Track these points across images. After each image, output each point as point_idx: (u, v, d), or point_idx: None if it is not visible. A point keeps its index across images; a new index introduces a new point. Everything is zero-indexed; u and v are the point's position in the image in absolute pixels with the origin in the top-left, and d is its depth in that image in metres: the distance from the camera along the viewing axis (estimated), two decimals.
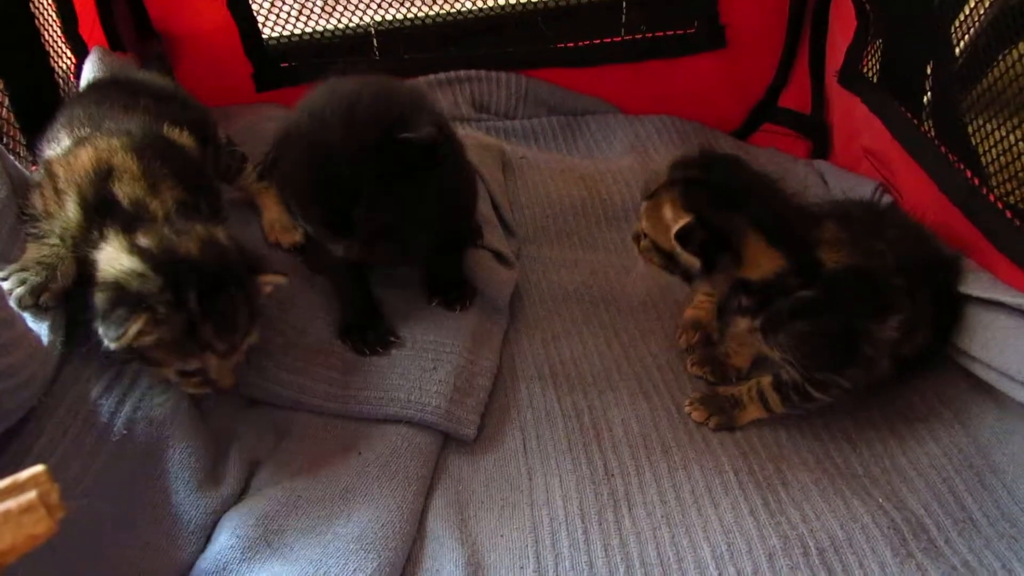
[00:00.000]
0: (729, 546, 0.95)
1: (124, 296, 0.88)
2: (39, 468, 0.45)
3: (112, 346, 0.89)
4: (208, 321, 0.91)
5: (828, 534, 0.95)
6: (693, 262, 1.00)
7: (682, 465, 1.05)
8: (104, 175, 0.98)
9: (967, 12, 1.20)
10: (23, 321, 0.82)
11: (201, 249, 0.94)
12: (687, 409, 1.14)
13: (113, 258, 0.92)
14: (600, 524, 0.98)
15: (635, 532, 0.97)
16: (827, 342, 1.02)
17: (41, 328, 0.93)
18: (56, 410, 0.92)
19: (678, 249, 0.99)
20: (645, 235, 1.06)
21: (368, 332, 1.18)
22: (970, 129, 1.21)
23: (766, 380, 1.10)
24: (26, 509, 0.42)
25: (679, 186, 1.01)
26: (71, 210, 0.97)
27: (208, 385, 0.98)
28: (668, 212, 1.00)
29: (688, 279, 1.05)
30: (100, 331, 0.89)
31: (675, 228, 0.97)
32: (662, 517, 0.99)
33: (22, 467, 0.80)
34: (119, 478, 0.92)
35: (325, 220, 1.06)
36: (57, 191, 0.99)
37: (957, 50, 1.24)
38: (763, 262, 0.99)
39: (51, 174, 1.01)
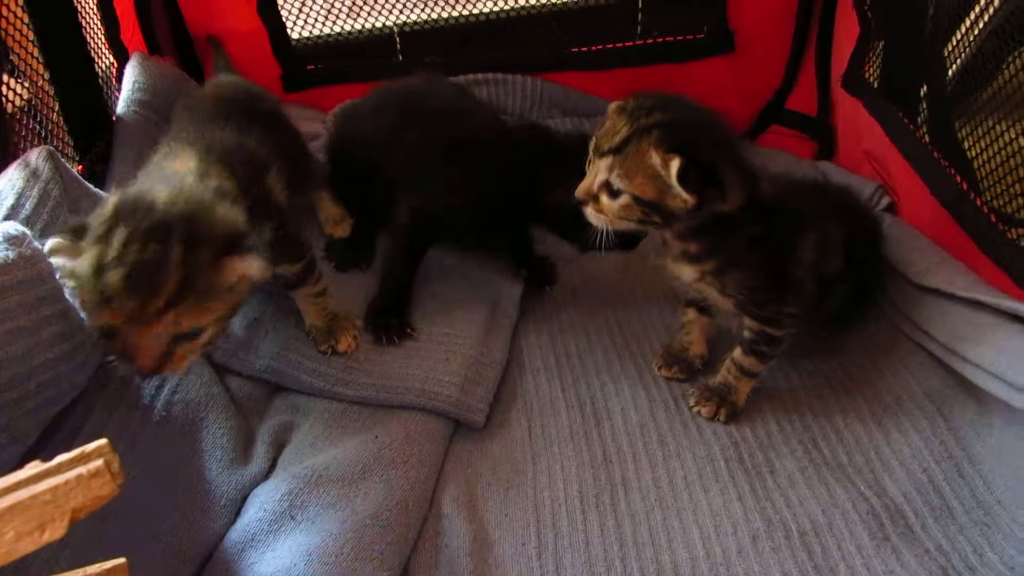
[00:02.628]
0: (716, 528, 1.01)
1: (80, 226, 0.84)
2: (103, 441, 0.54)
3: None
4: (119, 267, 0.79)
5: (810, 518, 1.02)
6: (689, 202, 0.95)
7: (676, 453, 1.12)
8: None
9: (959, 37, 1.24)
10: (76, 311, 0.91)
11: (168, 198, 0.86)
12: (695, 409, 1.19)
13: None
14: (597, 506, 1.05)
15: (630, 514, 1.04)
16: (771, 270, 1.07)
17: None
18: (103, 392, 1.01)
19: (676, 189, 0.94)
20: (614, 192, 1.00)
21: (392, 319, 1.26)
22: (960, 135, 1.25)
23: (736, 352, 1.16)
24: (94, 474, 0.51)
25: (653, 131, 0.96)
26: None
27: (125, 360, 0.84)
28: (655, 157, 0.95)
29: (667, 222, 1.01)
30: None
31: (674, 168, 0.93)
32: (655, 500, 1.06)
33: (75, 443, 0.90)
34: (159, 456, 1.00)
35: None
36: None
37: (950, 72, 1.28)
38: (734, 197, 0.98)
39: None
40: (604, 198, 1.02)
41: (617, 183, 0.99)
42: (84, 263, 0.80)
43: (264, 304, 1.28)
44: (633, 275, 1.49)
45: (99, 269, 0.79)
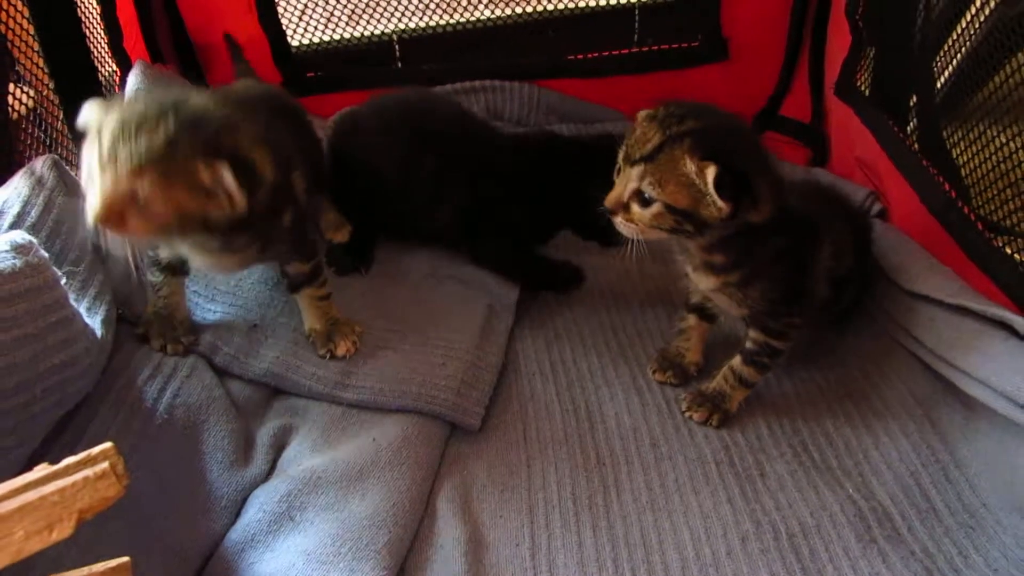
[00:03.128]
0: (706, 530, 1.03)
1: None
2: (108, 444, 0.56)
3: None
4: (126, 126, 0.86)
5: (798, 521, 1.03)
6: (724, 210, 0.95)
7: (668, 456, 1.14)
8: None
9: (948, 47, 1.27)
10: (81, 317, 0.93)
11: (207, 103, 0.94)
12: (687, 414, 1.20)
13: None
14: (590, 508, 1.07)
15: (622, 516, 1.06)
16: (791, 283, 1.09)
17: (95, 322, 1.05)
18: (107, 396, 1.03)
19: (712, 197, 0.93)
20: (646, 200, 0.99)
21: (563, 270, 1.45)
22: (948, 143, 1.28)
23: (735, 361, 1.18)
24: (100, 476, 0.53)
25: (686, 139, 0.95)
26: None
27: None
28: (689, 165, 0.94)
29: (700, 231, 1.00)
30: None
31: (711, 176, 0.92)
32: (647, 503, 1.08)
33: (80, 445, 0.93)
34: (161, 457, 1.02)
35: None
36: None
37: (939, 82, 1.31)
38: (765, 207, 0.98)
39: None
40: (635, 207, 1.01)
41: (649, 191, 0.98)
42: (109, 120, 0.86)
43: (264, 309, 1.30)
44: (628, 281, 1.51)
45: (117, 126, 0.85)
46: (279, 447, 1.15)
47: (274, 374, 1.21)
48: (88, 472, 0.53)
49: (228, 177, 0.87)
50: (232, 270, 1.21)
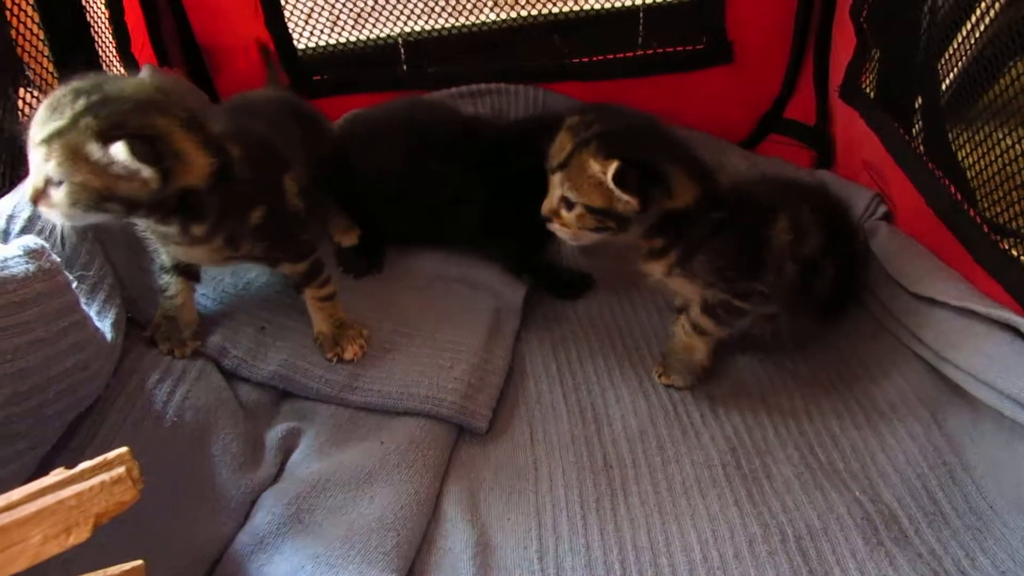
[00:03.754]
0: (713, 532, 1.04)
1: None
2: (124, 449, 0.57)
3: None
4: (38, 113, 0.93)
5: (806, 523, 1.04)
6: (632, 203, 1.03)
7: (675, 459, 1.15)
8: None
9: (953, 49, 1.27)
10: (92, 321, 0.94)
11: (135, 85, 0.99)
12: (662, 381, 1.25)
13: None
14: (598, 510, 1.07)
15: (629, 518, 1.06)
16: (738, 251, 1.13)
17: (104, 326, 1.05)
18: (118, 399, 1.04)
19: (617, 193, 1.01)
20: (570, 204, 1.08)
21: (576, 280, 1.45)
22: (954, 146, 1.28)
23: (692, 311, 1.20)
24: (117, 481, 0.54)
25: (592, 142, 1.04)
26: None
27: None
28: (594, 166, 1.03)
29: (623, 227, 1.08)
30: None
31: (611, 173, 1.00)
32: (654, 505, 1.08)
33: (90, 448, 0.93)
34: (171, 460, 1.02)
35: None
36: None
37: (944, 84, 1.31)
38: (685, 192, 1.06)
39: None
40: (564, 212, 1.09)
41: (570, 195, 1.07)
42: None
43: (272, 312, 1.31)
44: (633, 283, 1.51)
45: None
46: (287, 450, 1.16)
47: (282, 376, 1.22)
48: (104, 477, 0.54)
49: (123, 154, 0.88)
50: (211, 264, 1.20)
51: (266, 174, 1.14)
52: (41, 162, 0.90)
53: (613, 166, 1.00)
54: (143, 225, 1.08)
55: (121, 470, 0.54)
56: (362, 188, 1.51)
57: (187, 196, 1.00)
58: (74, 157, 0.89)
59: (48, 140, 0.89)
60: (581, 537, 1.04)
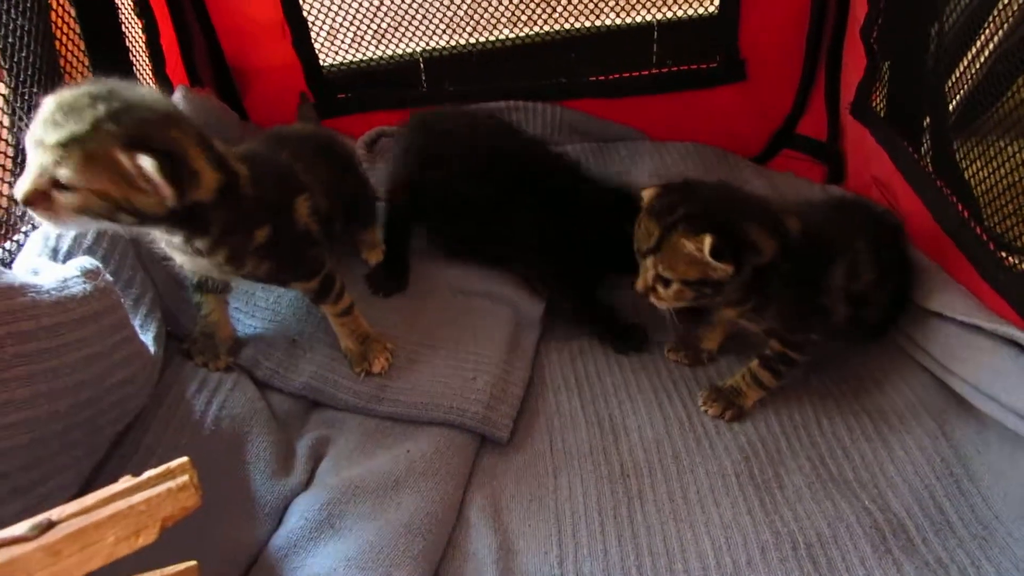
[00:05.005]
0: (727, 539, 1.08)
1: None
2: (185, 459, 0.62)
3: None
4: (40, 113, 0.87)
5: (816, 531, 1.07)
6: (727, 270, 1.08)
7: (690, 468, 1.19)
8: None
9: (961, 70, 1.31)
10: (139, 335, 1.00)
11: (151, 95, 0.96)
12: (703, 407, 1.28)
13: None
14: (615, 517, 1.11)
15: (645, 525, 1.10)
16: (798, 302, 1.19)
17: (147, 339, 1.11)
18: (159, 409, 1.09)
19: (713, 264, 1.07)
20: (666, 282, 1.14)
21: (637, 336, 1.44)
22: (962, 163, 1.32)
23: (754, 364, 1.27)
24: (181, 488, 0.59)
25: (680, 224, 1.10)
26: None
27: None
28: (689, 245, 1.09)
29: (718, 291, 1.14)
30: None
31: (707, 249, 1.06)
32: (670, 513, 1.12)
33: (136, 456, 0.99)
34: (209, 467, 1.03)
35: None
36: None
37: (952, 104, 1.35)
38: (768, 248, 1.12)
39: None
40: (660, 288, 1.16)
41: (666, 274, 1.13)
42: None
43: (302, 325, 1.36)
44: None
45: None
46: (317, 457, 1.20)
47: (313, 388, 1.27)
48: (170, 484, 0.59)
49: (151, 169, 0.87)
50: (222, 277, 1.20)
51: (275, 194, 1.14)
52: (50, 164, 0.85)
53: (708, 241, 1.06)
54: (149, 232, 1.06)
55: (185, 478, 0.59)
56: (436, 202, 1.52)
57: (194, 209, 0.98)
58: (95, 164, 0.86)
59: (64, 144, 0.84)
60: (599, 543, 1.08)
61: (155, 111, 0.92)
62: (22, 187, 0.86)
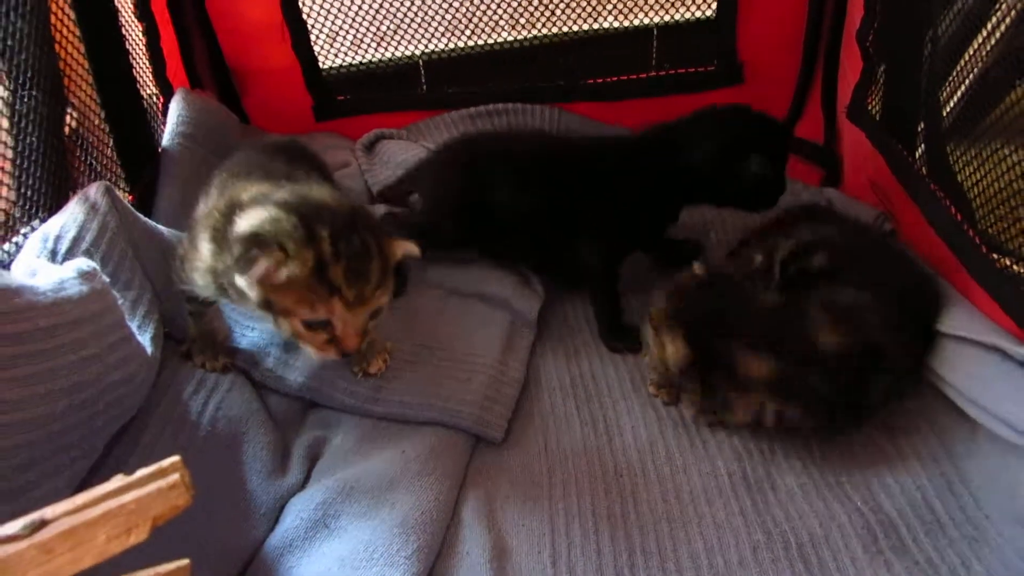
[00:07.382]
0: (719, 539, 1.08)
1: (259, 240, 0.88)
2: (176, 458, 0.63)
3: (250, 293, 0.90)
4: (339, 261, 0.89)
5: (808, 531, 1.08)
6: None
7: (683, 469, 1.19)
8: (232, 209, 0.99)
9: (954, 75, 1.31)
10: (136, 335, 1.01)
11: (333, 198, 0.96)
12: (653, 392, 1.33)
13: (249, 216, 0.92)
14: (608, 517, 1.12)
15: (638, 525, 1.10)
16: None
17: (145, 340, 1.12)
18: (156, 410, 1.10)
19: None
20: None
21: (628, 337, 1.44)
22: (956, 166, 1.32)
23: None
24: (172, 487, 0.60)
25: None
26: (204, 245, 1.00)
27: (334, 346, 0.97)
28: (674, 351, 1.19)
29: None
30: (237, 281, 0.90)
31: (676, 358, 1.17)
32: (662, 513, 1.12)
33: (133, 456, 1.00)
34: (205, 466, 1.08)
35: None
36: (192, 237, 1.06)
37: (946, 109, 1.35)
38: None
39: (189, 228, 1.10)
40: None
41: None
42: (301, 265, 0.88)
43: None
44: (643, 302, 1.56)
45: (321, 266, 0.89)
46: (313, 458, 1.21)
47: (309, 388, 1.28)
48: (161, 483, 0.60)
49: (413, 251, 1.01)
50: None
51: None
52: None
53: (682, 350, 1.18)
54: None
55: (176, 477, 0.60)
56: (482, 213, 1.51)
57: None
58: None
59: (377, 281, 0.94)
60: (592, 543, 1.08)
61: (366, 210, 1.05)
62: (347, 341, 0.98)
